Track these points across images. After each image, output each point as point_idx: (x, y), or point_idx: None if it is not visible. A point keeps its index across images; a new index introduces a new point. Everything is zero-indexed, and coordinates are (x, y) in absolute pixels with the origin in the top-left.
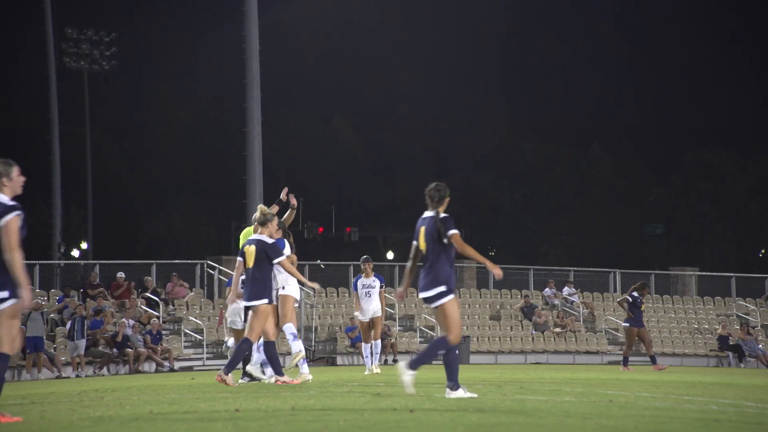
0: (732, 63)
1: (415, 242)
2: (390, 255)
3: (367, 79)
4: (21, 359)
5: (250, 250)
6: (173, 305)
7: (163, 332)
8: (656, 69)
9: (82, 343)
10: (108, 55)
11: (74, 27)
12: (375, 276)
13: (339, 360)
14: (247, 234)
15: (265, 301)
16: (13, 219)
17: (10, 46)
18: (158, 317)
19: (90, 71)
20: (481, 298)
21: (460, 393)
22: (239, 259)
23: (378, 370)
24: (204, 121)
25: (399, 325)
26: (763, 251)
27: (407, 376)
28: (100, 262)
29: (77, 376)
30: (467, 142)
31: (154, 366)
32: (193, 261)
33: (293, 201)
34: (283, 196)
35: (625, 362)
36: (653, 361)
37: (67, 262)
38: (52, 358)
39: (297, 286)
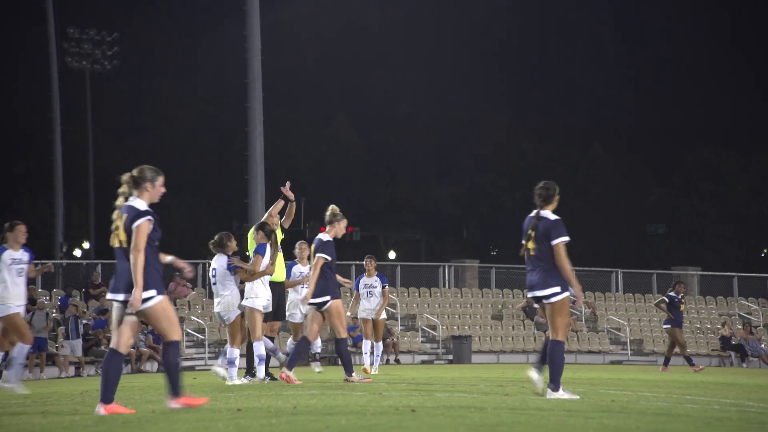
0: (732, 63)
1: (523, 242)
2: (392, 255)
3: (368, 79)
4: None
5: (312, 249)
6: (175, 305)
7: None
8: (656, 69)
9: (78, 343)
10: (110, 54)
11: (76, 27)
12: (378, 275)
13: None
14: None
15: (328, 297)
16: (145, 223)
17: (12, 46)
18: None
19: (92, 71)
20: (483, 297)
21: (561, 394)
22: (327, 257)
23: (376, 371)
24: (205, 121)
25: (401, 325)
26: (765, 251)
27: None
28: (102, 261)
29: (77, 375)
30: (468, 141)
31: (156, 365)
32: (195, 261)
33: (290, 194)
34: (284, 190)
35: (690, 362)
36: (666, 363)
37: (69, 261)
38: (54, 357)
39: (267, 296)
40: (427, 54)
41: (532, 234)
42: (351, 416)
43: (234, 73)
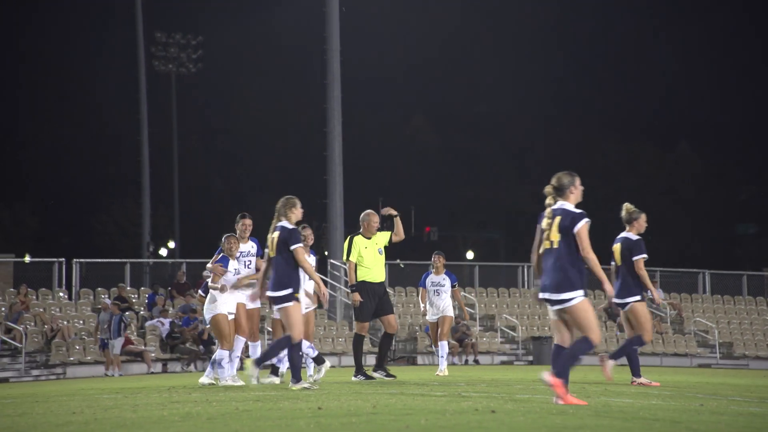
0: None
1: None
2: (470, 255)
3: (447, 78)
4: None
5: (617, 248)
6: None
7: None
8: (745, 63)
9: (117, 342)
10: (194, 58)
11: (163, 31)
12: (446, 273)
13: (419, 360)
14: (357, 241)
15: (638, 297)
16: (585, 225)
17: (102, 50)
18: None
19: (177, 74)
20: None
21: None
22: (646, 256)
23: (446, 373)
24: (285, 121)
25: (479, 325)
26: None
27: None
28: (187, 261)
29: (110, 374)
30: (548, 140)
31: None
32: None
33: (391, 211)
34: (384, 211)
35: None
36: None
37: (155, 260)
38: (141, 354)
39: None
40: (507, 52)
41: None
42: (431, 416)
43: (314, 73)
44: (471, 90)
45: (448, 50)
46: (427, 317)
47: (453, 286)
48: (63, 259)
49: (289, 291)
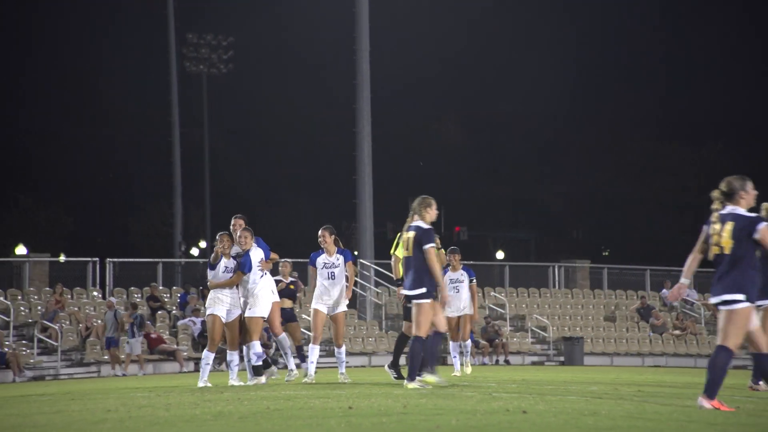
0: None
1: None
2: (500, 254)
3: (476, 77)
4: (146, 355)
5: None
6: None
7: None
8: None
9: (135, 342)
10: (225, 58)
11: (194, 32)
12: (464, 269)
13: (449, 360)
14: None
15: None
16: (766, 229)
17: (135, 51)
18: None
19: (208, 75)
20: (595, 298)
21: None
22: None
23: (469, 370)
24: (316, 120)
25: (510, 325)
26: None
27: None
28: None
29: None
30: (579, 139)
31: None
32: (305, 260)
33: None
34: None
35: None
36: None
37: (187, 260)
38: (173, 353)
39: (267, 301)
40: (536, 50)
41: None
42: (461, 416)
43: (343, 74)
44: (501, 89)
45: (477, 49)
46: (445, 313)
47: (471, 281)
48: (97, 258)
49: (424, 290)
